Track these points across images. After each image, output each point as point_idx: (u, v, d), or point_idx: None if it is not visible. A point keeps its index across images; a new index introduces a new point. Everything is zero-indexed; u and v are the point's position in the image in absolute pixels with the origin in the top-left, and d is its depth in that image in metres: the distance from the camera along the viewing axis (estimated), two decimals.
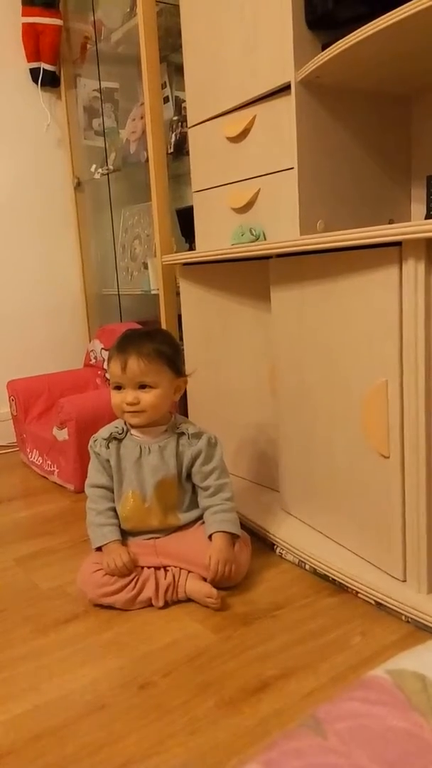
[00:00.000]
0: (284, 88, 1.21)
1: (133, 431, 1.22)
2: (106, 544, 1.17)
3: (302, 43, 1.17)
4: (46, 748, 0.82)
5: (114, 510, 1.22)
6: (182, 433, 1.21)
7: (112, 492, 1.22)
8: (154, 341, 1.18)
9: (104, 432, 1.23)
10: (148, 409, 1.16)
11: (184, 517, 1.22)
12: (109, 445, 1.21)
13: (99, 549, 1.18)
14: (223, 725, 0.83)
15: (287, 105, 1.21)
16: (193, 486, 1.23)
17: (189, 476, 1.22)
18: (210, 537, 1.16)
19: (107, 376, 2.13)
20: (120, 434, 1.22)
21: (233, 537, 1.17)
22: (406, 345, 0.99)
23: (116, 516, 1.21)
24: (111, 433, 1.22)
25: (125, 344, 1.17)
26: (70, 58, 2.28)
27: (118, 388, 1.18)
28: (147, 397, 1.16)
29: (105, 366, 2.12)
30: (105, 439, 1.21)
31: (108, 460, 1.21)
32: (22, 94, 2.24)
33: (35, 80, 2.23)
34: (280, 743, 0.30)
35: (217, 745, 0.80)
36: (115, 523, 1.20)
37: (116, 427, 1.22)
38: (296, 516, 1.36)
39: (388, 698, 0.32)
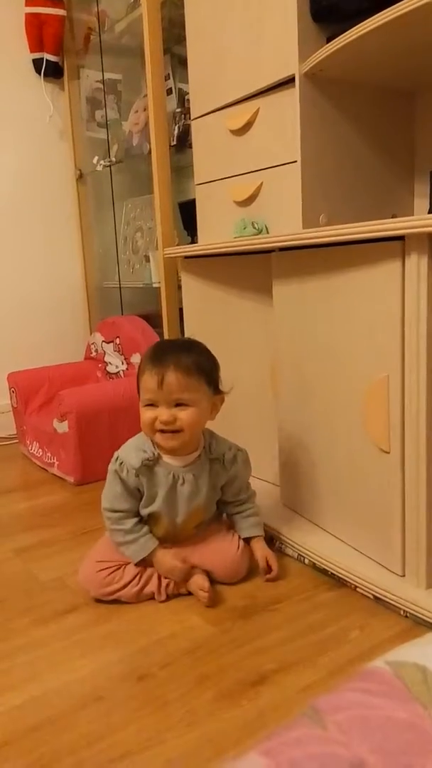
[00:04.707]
0: (288, 81, 1.20)
1: (164, 457, 1.13)
2: (150, 553, 1.13)
3: (307, 35, 1.17)
4: (44, 738, 0.82)
5: (141, 521, 1.15)
6: (216, 459, 1.16)
7: (136, 513, 1.15)
8: (192, 353, 1.09)
9: (133, 459, 1.11)
10: (185, 428, 1.06)
11: (205, 524, 1.22)
12: (139, 473, 1.11)
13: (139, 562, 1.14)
14: (221, 718, 0.84)
15: (291, 98, 1.20)
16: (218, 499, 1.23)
17: (220, 494, 1.21)
18: (247, 540, 1.21)
19: (108, 369, 2.14)
20: (150, 461, 1.11)
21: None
22: (408, 340, 0.99)
23: (145, 524, 1.16)
24: (142, 462, 1.10)
25: (161, 356, 1.07)
26: (73, 49, 2.27)
27: (150, 404, 1.08)
28: (184, 416, 1.06)
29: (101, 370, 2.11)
30: (135, 469, 1.11)
31: (138, 488, 1.13)
32: (24, 84, 2.23)
33: (38, 71, 2.22)
34: (279, 733, 0.30)
35: (215, 737, 0.80)
36: (147, 531, 1.14)
37: (145, 452, 1.11)
38: (296, 511, 1.36)
39: (388, 689, 0.32)
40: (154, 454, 1.12)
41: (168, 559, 1.12)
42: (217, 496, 1.21)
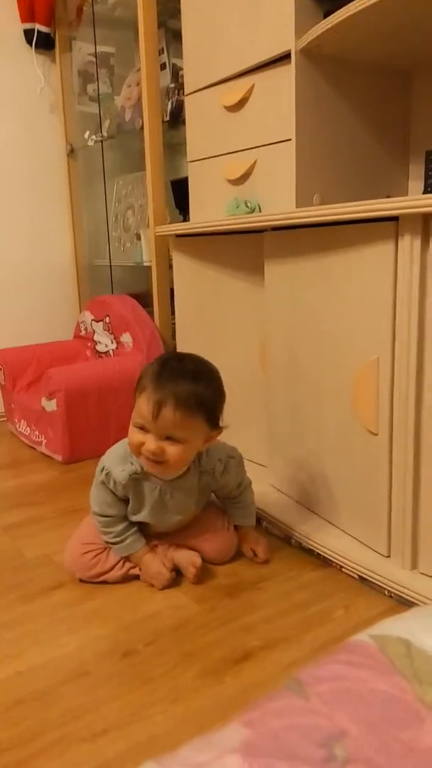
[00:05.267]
0: (284, 57, 1.19)
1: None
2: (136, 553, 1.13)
3: (304, 10, 1.15)
4: (29, 712, 0.82)
5: (130, 523, 1.14)
6: (206, 472, 1.13)
7: (125, 516, 1.13)
8: (199, 384, 1.01)
9: (119, 474, 1.08)
10: (171, 461, 1.02)
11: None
12: (126, 486, 1.10)
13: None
14: (205, 694, 0.84)
15: (287, 74, 1.18)
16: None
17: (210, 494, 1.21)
18: (236, 527, 1.21)
19: (97, 348, 2.13)
20: (137, 474, 1.09)
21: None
22: (399, 322, 0.98)
23: (133, 525, 1.14)
24: (129, 475, 1.08)
25: (165, 381, 1.00)
26: (65, 20, 2.22)
27: (141, 427, 1.03)
28: (172, 451, 1.01)
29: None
30: (122, 484, 1.09)
31: (126, 495, 1.11)
32: (15, 55, 2.18)
33: (29, 42, 2.17)
34: (262, 704, 0.30)
35: (199, 713, 0.81)
36: (135, 531, 1.13)
37: (132, 464, 1.08)
38: (283, 491, 1.36)
39: (371, 662, 0.32)
40: (141, 467, 1.09)
41: (155, 564, 1.11)
42: (208, 496, 1.20)
